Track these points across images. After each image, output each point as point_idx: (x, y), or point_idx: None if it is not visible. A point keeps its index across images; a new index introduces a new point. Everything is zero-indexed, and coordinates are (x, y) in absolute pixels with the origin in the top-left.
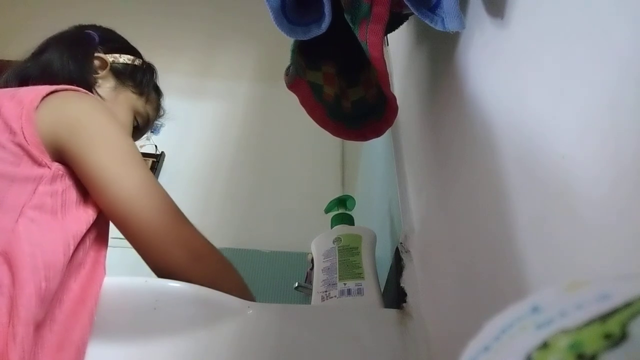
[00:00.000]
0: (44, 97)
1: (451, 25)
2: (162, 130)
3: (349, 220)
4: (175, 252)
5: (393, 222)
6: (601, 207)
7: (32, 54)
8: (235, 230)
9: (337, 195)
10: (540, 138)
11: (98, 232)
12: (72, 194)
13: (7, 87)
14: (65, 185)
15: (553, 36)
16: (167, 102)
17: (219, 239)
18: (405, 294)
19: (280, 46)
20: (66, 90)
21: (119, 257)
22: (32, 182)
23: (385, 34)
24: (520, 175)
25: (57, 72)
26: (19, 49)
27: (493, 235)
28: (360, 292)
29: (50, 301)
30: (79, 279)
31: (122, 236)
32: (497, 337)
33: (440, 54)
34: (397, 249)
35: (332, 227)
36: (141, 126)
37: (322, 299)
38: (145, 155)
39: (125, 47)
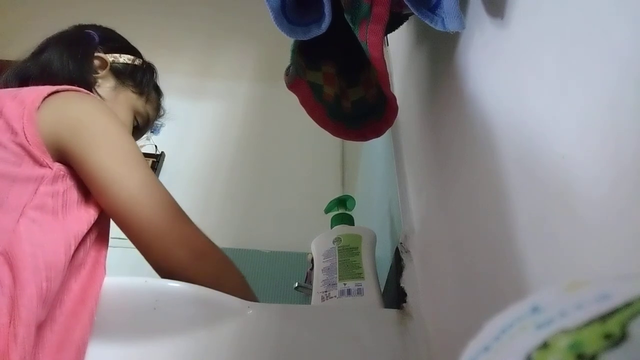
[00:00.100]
0: (45, 98)
1: (451, 26)
2: (162, 130)
3: (349, 220)
4: (177, 251)
5: (393, 222)
6: (601, 207)
7: (32, 53)
8: (235, 230)
9: (337, 196)
10: (540, 138)
11: (99, 232)
12: (73, 194)
13: (7, 86)
14: (67, 185)
15: (553, 36)
16: (167, 102)
17: (219, 239)
18: (405, 294)
19: (280, 46)
20: (68, 90)
21: (120, 257)
22: (33, 183)
23: (385, 34)
24: (520, 175)
25: (57, 72)
26: (19, 49)
27: (493, 235)
28: (360, 292)
29: (51, 301)
30: (80, 279)
31: (122, 236)
32: (497, 337)
33: (440, 54)
34: (397, 249)
35: (332, 227)
36: (141, 126)
37: (322, 299)
38: (145, 155)
39: (125, 46)
